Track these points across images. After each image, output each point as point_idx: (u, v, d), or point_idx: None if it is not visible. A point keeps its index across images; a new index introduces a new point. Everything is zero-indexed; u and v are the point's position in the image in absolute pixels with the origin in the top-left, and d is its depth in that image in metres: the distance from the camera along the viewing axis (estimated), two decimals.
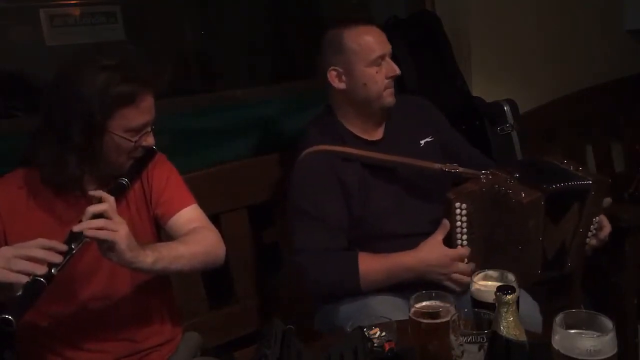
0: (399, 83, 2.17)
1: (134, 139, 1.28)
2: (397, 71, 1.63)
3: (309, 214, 1.55)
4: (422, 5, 2.47)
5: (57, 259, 1.10)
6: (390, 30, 2.23)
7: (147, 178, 1.41)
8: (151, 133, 1.32)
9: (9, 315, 1.01)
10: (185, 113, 1.95)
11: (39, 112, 1.29)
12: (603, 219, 1.58)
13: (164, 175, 1.42)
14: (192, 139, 1.90)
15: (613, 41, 3.01)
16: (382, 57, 1.60)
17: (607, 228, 1.59)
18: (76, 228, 1.14)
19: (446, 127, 1.81)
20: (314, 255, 1.53)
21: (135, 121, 1.26)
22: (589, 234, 1.56)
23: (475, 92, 2.35)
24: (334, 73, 1.62)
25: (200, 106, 2.01)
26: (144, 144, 1.31)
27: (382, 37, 1.63)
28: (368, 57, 1.59)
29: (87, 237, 1.13)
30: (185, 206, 1.41)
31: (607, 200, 1.56)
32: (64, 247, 1.12)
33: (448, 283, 1.51)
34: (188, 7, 2.35)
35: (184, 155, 1.76)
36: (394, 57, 2.19)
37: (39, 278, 1.06)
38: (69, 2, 1.95)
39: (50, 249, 1.11)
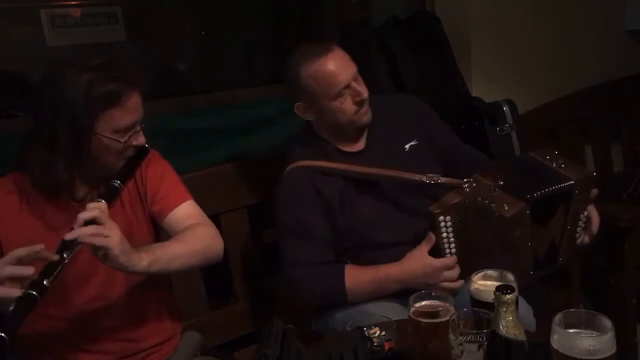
0: (398, 83, 2.19)
1: (122, 140, 1.26)
2: (364, 94, 1.53)
3: (293, 230, 1.55)
4: (422, 5, 2.47)
5: (48, 255, 1.10)
6: (390, 30, 2.25)
7: (141, 176, 1.40)
8: (141, 132, 1.30)
9: (1, 332, 1.00)
10: (185, 113, 1.95)
11: (29, 115, 1.28)
12: (591, 209, 1.55)
13: (159, 173, 1.41)
14: (192, 139, 1.90)
15: (613, 41, 3.01)
16: (346, 87, 1.51)
17: (596, 219, 1.56)
18: (68, 236, 1.13)
19: (436, 125, 1.76)
20: (302, 269, 1.53)
21: (122, 121, 1.24)
22: (578, 228, 1.54)
23: (475, 92, 2.35)
24: (300, 108, 1.59)
25: (200, 106, 2.02)
26: (134, 143, 1.29)
27: (343, 61, 1.52)
28: (329, 92, 1.51)
29: (80, 242, 1.13)
30: (182, 202, 1.40)
31: (594, 192, 1.53)
32: (52, 256, 1.12)
33: (436, 289, 1.50)
34: (188, 8, 2.35)
35: (183, 155, 1.76)
36: (394, 57, 2.20)
37: (30, 291, 1.06)
38: (69, 2, 1.96)
39: (37, 254, 1.11)
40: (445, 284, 1.50)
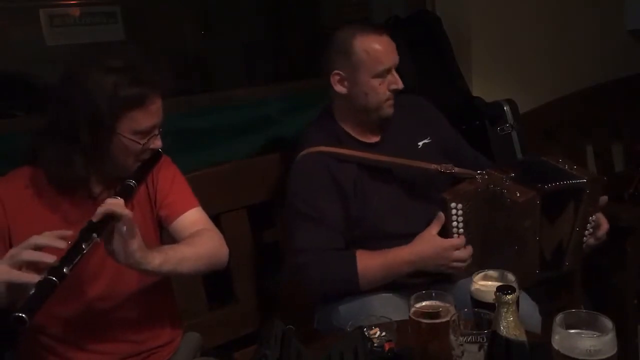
0: None
1: (142, 142, 1.27)
2: (401, 85, 1.59)
3: (306, 215, 1.55)
4: (422, 4, 2.47)
5: (62, 244, 1.10)
6: (391, 30, 2.24)
7: (152, 180, 1.41)
8: (158, 136, 1.32)
9: (22, 313, 1.00)
10: (185, 113, 1.95)
11: (44, 111, 1.28)
12: (600, 217, 1.58)
13: (169, 177, 1.43)
14: (192, 139, 1.90)
15: (613, 41, 3.01)
16: (388, 70, 1.58)
17: (605, 226, 1.58)
18: (101, 208, 1.13)
19: (445, 127, 1.80)
20: (313, 255, 1.52)
21: (144, 124, 1.26)
22: (586, 232, 1.55)
23: (475, 92, 2.35)
24: (337, 77, 1.60)
25: (200, 106, 2.01)
26: (151, 146, 1.30)
27: (392, 47, 1.60)
28: (375, 68, 1.56)
29: (110, 212, 1.13)
30: (190, 208, 1.41)
31: (604, 199, 1.55)
32: (68, 233, 1.12)
33: (449, 271, 1.51)
34: (188, 7, 2.35)
35: (183, 155, 1.75)
36: None
37: (50, 277, 1.06)
38: (68, 2, 1.96)
39: (55, 237, 1.11)
40: (456, 264, 1.50)
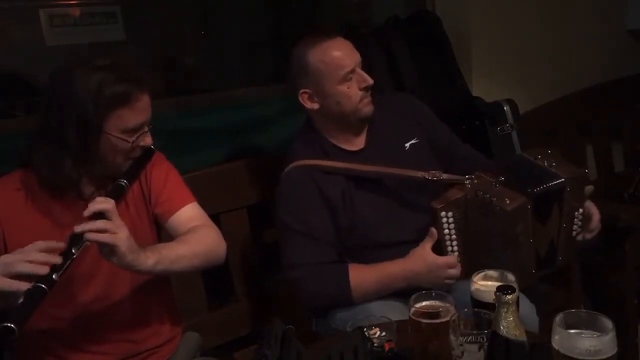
0: (399, 83, 2.19)
1: (130, 140, 1.27)
2: (370, 81, 1.56)
3: (296, 230, 1.54)
4: (422, 4, 2.48)
5: (57, 259, 1.10)
6: (391, 30, 2.24)
7: (146, 177, 1.40)
8: (148, 133, 1.31)
9: (11, 323, 1.00)
10: (185, 113, 1.95)
11: (36, 113, 1.29)
12: (589, 206, 1.55)
13: (163, 174, 1.42)
14: (192, 139, 1.90)
15: (614, 41, 3.01)
16: (351, 71, 1.54)
17: (596, 216, 1.56)
18: (78, 228, 1.13)
19: (436, 125, 1.76)
20: (306, 270, 1.52)
21: (131, 122, 1.25)
22: (575, 227, 1.54)
23: (475, 92, 2.35)
24: (305, 95, 1.58)
25: (200, 106, 2.01)
26: (141, 144, 1.30)
27: (349, 48, 1.56)
28: (337, 75, 1.53)
29: (88, 240, 1.13)
30: (185, 204, 1.41)
31: (589, 189, 1.53)
32: (61, 246, 1.12)
33: (442, 286, 1.51)
34: (188, 8, 2.35)
35: (183, 155, 1.76)
36: (394, 57, 2.20)
37: (40, 285, 1.06)
38: (68, 2, 1.96)
39: (49, 250, 1.11)
40: (449, 282, 1.49)
